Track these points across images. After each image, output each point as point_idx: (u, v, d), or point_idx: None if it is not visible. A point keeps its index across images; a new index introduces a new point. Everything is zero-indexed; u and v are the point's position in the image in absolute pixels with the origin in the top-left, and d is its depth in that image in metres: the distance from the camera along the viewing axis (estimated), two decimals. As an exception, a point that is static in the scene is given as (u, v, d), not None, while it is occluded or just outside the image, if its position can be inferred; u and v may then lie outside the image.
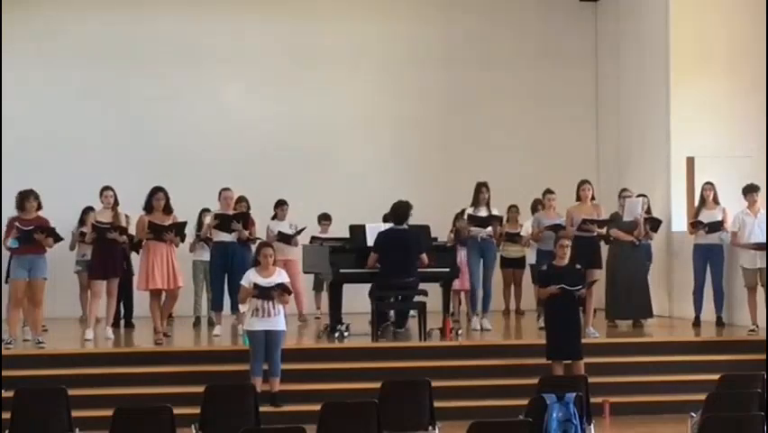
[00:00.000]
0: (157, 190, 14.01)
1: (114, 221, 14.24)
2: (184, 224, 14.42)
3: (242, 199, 15.48)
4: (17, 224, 13.36)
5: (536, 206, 16.57)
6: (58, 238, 13.82)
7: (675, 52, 17.11)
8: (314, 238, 16.54)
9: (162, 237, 13.76)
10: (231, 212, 14.86)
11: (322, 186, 18.41)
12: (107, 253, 14.25)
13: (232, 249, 14.67)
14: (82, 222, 16.14)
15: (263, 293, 11.99)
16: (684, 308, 16.17)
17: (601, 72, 19.87)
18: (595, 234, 14.58)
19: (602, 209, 14.99)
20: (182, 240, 14.55)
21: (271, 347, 12.04)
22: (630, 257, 15.64)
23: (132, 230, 15.54)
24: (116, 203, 14.36)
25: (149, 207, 14.01)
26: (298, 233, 16.45)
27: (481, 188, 15.03)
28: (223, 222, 14.69)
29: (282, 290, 12.06)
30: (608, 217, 15.31)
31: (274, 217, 16.71)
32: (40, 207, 13.67)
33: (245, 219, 14.78)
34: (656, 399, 12.91)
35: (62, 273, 15.94)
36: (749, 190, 14.86)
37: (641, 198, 15.79)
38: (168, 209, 14.00)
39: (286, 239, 16.32)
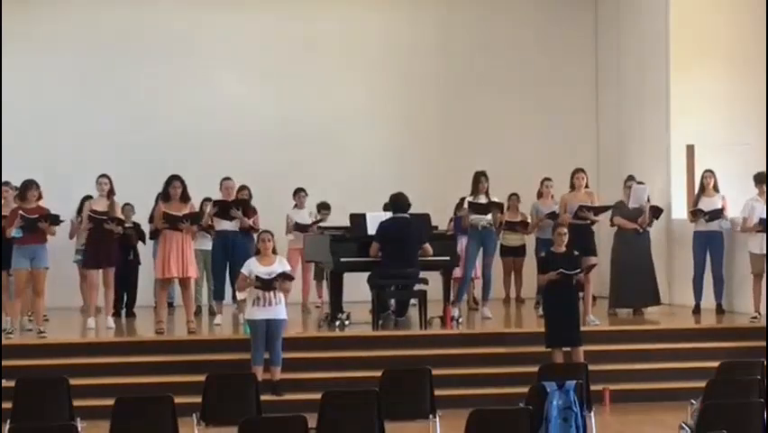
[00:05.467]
0: (173, 179, 13.93)
1: (110, 210, 14.19)
2: (198, 213, 14.43)
3: (243, 188, 15.47)
4: (21, 212, 13.37)
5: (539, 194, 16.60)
6: (59, 222, 13.84)
7: (675, 40, 17.09)
8: (318, 228, 16.54)
9: (177, 227, 13.73)
10: (231, 199, 14.90)
11: (322, 175, 18.38)
12: (101, 242, 14.19)
13: (233, 238, 14.70)
14: (81, 211, 16.16)
15: (266, 285, 12.00)
16: (684, 296, 16.19)
17: (601, 60, 19.84)
18: (589, 221, 14.58)
19: (596, 197, 15.01)
20: (199, 229, 14.60)
21: (272, 336, 12.07)
22: (634, 245, 15.64)
23: (134, 219, 15.64)
24: (112, 191, 14.28)
25: (166, 196, 13.94)
26: (316, 223, 16.48)
27: (480, 177, 15.02)
28: (222, 209, 14.71)
29: (284, 278, 12.08)
30: (613, 205, 15.33)
31: (295, 206, 16.74)
32: (40, 196, 13.71)
33: (245, 206, 14.78)
34: (656, 386, 12.94)
35: (63, 263, 15.97)
36: (760, 179, 14.80)
37: (647, 186, 15.79)
38: (185, 197, 13.92)
39: (302, 229, 16.37)
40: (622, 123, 18.95)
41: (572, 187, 14.86)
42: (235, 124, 18.67)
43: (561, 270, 12.19)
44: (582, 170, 14.93)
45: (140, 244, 16.40)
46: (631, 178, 16.03)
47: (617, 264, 15.73)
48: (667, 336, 14.02)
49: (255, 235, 14.01)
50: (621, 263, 15.66)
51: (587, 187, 14.91)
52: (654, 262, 16.03)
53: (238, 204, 14.77)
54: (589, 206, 14.59)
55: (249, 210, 14.79)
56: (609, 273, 15.84)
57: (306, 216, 16.64)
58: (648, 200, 15.90)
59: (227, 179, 15.14)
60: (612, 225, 15.64)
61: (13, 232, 13.38)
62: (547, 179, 16.18)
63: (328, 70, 19.03)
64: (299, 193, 16.80)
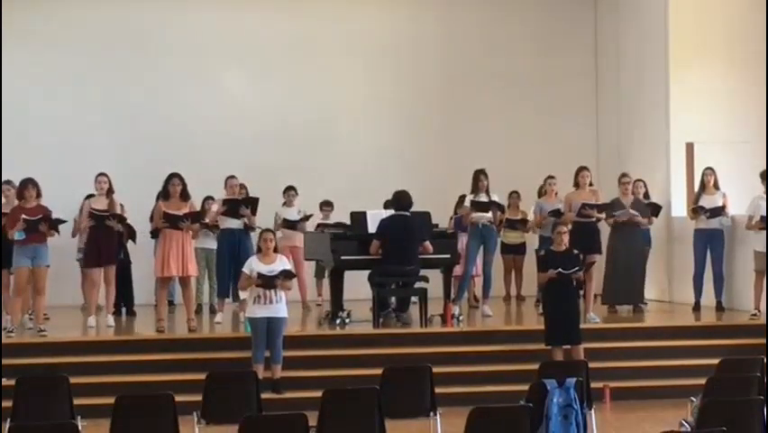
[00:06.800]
0: (173, 177, 13.92)
1: (110, 208, 14.19)
2: (199, 212, 14.43)
3: (241, 187, 15.48)
4: (24, 215, 13.35)
5: (542, 192, 16.62)
6: (61, 222, 13.85)
7: (674, 38, 17.09)
8: (320, 225, 16.54)
9: (178, 226, 13.74)
10: (239, 197, 14.91)
11: (322, 173, 18.39)
12: (102, 240, 14.21)
13: (239, 236, 14.70)
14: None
15: (267, 283, 12.00)
16: (684, 293, 16.19)
17: (601, 58, 19.83)
18: (594, 219, 14.61)
19: (600, 195, 15.03)
20: (202, 227, 14.61)
21: (273, 334, 12.08)
22: (630, 242, 15.64)
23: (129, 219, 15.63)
24: (111, 190, 14.27)
25: (165, 194, 13.94)
26: (305, 219, 16.46)
27: (479, 175, 15.03)
28: (231, 207, 14.70)
29: (285, 276, 12.09)
30: (609, 203, 15.33)
31: (284, 204, 16.75)
32: (39, 195, 13.70)
33: (254, 204, 14.77)
34: (656, 383, 12.96)
35: (64, 262, 15.97)
36: (765, 176, 14.79)
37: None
38: (184, 196, 13.91)
39: (291, 225, 16.34)
40: (622, 121, 18.95)
41: (577, 185, 14.87)
42: (236, 122, 18.66)
43: (559, 270, 12.21)
44: (586, 168, 14.97)
45: (131, 243, 16.35)
46: (625, 175, 16.03)
47: (611, 263, 15.73)
48: (667, 334, 14.03)
49: (253, 234, 14.05)
50: (615, 262, 15.66)
51: (591, 185, 14.94)
52: (653, 260, 16.05)
53: (247, 202, 14.77)
54: (592, 203, 14.61)
55: (257, 208, 14.77)
56: (604, 270, 15.84)
57: (294, 213, 16.57)
58: (647, 196, 16.02)
59: (232, 177, 15.15)
60: (609, 223, 15.61)
61: (16, 235, 13.38)
62: (551, 177, 16.22)
63: (329, 69, 19.01)
64: (289, 191, 16.75)
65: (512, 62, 19.49)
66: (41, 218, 13.39)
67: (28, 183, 13.65)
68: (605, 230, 15.43)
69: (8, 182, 14.74)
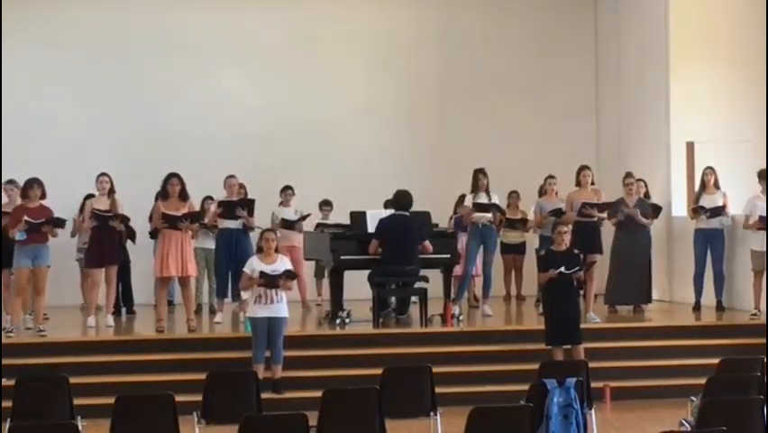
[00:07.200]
0: (171, 176, 13.92)
1: (112, 208, 14.20)
2: (199, 212, 14.42)
3: (240, 186, 15.48)
4: (26, 217, 13.34)
5: (543, 191, 16.61)
6: (63, 226, 13.86)
7: (675, 37, 17.08)
8: (319, 225, 16.54)
9: (177, 226, 13.72)
10: (235, 198, 14.89)
11: (322, 173, 18.39)
12: (104, 240, 14.21)
13: (237, 236, 14.70)
14: (83, 210, 16.13)
15: (270, 282, 11.99)
16: (684, 293, 16.19)
17: (601, 58, 19.83)
18: (595, 218, 14.61)
19: (602, 194, 15.02)
20: (202, 227, 14.59)
21: (274, 334, 12.08)
22: (635, 243, 15.63)
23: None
24: (112, 190, 14.28)
25: (164, 194, 13.93)
26: (302, 219, 16.44)
27: (479, 174, 15.04)
28: (227, 209, 14.70)
29: (287, 276, 12.09)
30: (614, 202, 15.31)
31: (280, 203, 16.74)
32: (43, 195, 13.68)
33: (250, 205, 14.76)
34: (657, 383, 12.97)
35: (63, 262, 15.97)
36: (762, 176, 14.79)
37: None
38: (183, 195, 13.90)
39: (289, 225, 16.32)
40: (622, 120, 18.94)
41: (578, 184, 14.87)
42: (236, 122, 18.65)
43: (560, 270, 12.20)
44: (588, 168, 14.97)
45: (131, 243, 16.33)
46: (629, 174, 16.02)
47: (615, 261, 15.72)
48: (667, 333, 14.03)
49: (252, 234, 14.04)
50: (619, 261, 15.65)
51: (593, 183, 14.94)
52: (653, 261, 16.04)
53: (243, 204, 14.76)
54: (593, 203, 14.61)
55: (253, 209, 14.76)
56: (608, 270, 15.83)
57: (291, 213, 16.56)
58: (647, 196, 16.01)
59: (231, 177, 15.15)
60: (612, 223, 15.58)
61: (17, 235, 13.38)
62: (551, 176, 16.22)
63: (328, 68, 19.00)
64: (286, 191, 16.74)
65: (512, 62, 19.47)
66: (45, 221, 13.38)
67: (33, 183, 13.65)
68: (607, 230, 15.42)
69: (11, 181, 14.74)
